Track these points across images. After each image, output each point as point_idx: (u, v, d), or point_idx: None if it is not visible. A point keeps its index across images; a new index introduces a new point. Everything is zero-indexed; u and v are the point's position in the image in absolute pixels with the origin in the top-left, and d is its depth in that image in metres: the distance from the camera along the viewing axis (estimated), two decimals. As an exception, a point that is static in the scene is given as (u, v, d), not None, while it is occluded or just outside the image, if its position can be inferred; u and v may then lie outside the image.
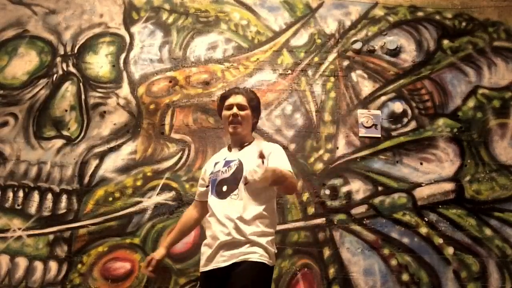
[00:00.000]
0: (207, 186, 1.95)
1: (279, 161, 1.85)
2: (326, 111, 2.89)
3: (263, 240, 1.74)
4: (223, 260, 1.71)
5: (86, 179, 2.70)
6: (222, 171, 1.87)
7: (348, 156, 2.79)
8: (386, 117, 2.88)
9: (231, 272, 1.68)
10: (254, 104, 2.01)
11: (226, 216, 1.76)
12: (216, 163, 1.94)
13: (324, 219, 2.65)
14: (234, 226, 1.73)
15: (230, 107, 1.95)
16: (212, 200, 1.85)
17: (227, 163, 1.88)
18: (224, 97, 2.01)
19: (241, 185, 1.80)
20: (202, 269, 1.79)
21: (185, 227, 2.06)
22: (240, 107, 1.94)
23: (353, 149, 2.81)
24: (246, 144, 1.96)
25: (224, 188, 1.82)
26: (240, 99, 1.96)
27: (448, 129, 2.86)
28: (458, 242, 2.63)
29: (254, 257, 1.70)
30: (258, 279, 1.68)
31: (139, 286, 2.51)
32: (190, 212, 2.08)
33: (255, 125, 2.09)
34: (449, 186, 2.74)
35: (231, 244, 1.72)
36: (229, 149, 1.99)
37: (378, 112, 2.88)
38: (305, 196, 2.67)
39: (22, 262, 2.54)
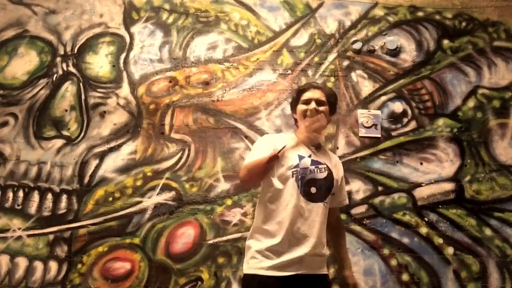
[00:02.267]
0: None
1: (345, 190, 2.01)
2: (326, 111, 2.89)
3: None
4: (306, 269, 1.68)
5: (86, 179, 2.70)
6: (310, 170, 1.75)
7: (348, 156, 2.79)
8: (386, 117, 2.88)
9: (313, 282, 1.69)
10: (333, 101, 1.91)
11: (318, 223, 1.73)
12: (301, 157, 1.77)
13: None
14: (323, 237, 1.76)
15: (308, 102, 1.85)
16: (300, 199, 1.72)
17: (315, 163, 1.78)
18: (301, 91, 1.91)
19: (330, 195, 1.82)
20: (269, 273, 1.64)
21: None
22: (319, 102, 1.84)
23: (353, 149, 2.81)
24: (320, 145, 1.91)
25: (313, 190, 1.74)
26: (319, 94, 1.86)
27: (448, 129, 2.86)
28: (458, 242, 2.63)
29: (326, 270, 1.80)
30: None
31: (139, 286, 2.51)
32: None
33: (328, 123, 1.95)
34: (449, 186, 2.74)
35: (317, 254, 1.73)
36: (303, 143, 1.82)
37: (378, 112, 2.88)
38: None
39: (22, 262, 2.54)
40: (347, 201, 2.00)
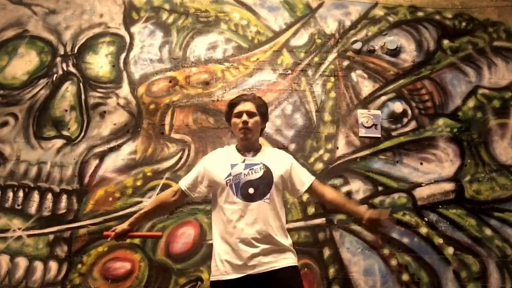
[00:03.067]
0: (208, 186, 1.94)
1: (304, 173, 2.01)
2: (326, 111, 2.89)
3: (291, 245, 1.87)
4: (262, 266, 1.73)
5: (86, 179, 2.70)
6: (244, 173, 1.85)
7: (348, 156, 2.79)
8: (386, 117, 2.88)
9: (273, 277, 1.73)
10: (263, 111, 2.01)
11: (262, 220, 1.78)
12: (233, 165, 1.89)
13: (324, 219, 2.65)
14: (273, 232, 1.79)
15: (239, 115, 1.95)
16: (238, 202, 1.81)
17: (249, 166, 1.88)
18: (232, 104, 2.01)
19: (273, 190, 1.85)
20: (226, 277, 1.74)
21: (158, 211, 2.05)
22: (250, 114, 1.94)
23: (353, 149, 2.81)
24: (258, 149, 1.99)
25: (251, 191, 1.82)
26: (249, 106, 1.96)
27: (448, 129, 2.86)
28: (458, 242, 2.63)
29: (292, 262, 1.81)
30: (301, 280, 1.81)
31: (139, 286, 2.51)
32: (168, 197, 2.00)
33: (263, 131, 2.10)
34: (449, 186, 2.74)
35: (269, 250, 1.76)
36: (240, 152, 1.97)
37: (378, 112, 2.88)
38: (305, 196, 2.66)
39: (22, 262, 2.54)
40: (305, 187, 1.99)
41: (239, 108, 1.96)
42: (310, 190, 1.99)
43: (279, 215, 1.86)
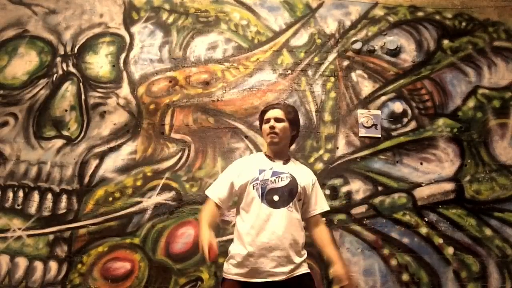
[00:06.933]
0: (237, 192, 1.97)
1: (323, 198, 2.07)
2: (326, 111, 2.89)
3: (305, 255, 1.94)
4: (278, 276, 1.79)
5: (86, 179, 2.70)
6: (271, 180, 1.92)
7: (348, 156, 2.79)
8: (386, 117, 2.88)
9: (289, 285, 1.79)
10: (292, 117, 2.08)
11: (284, 227, 1.84)
12: (261, 171, 1.95)
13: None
14: (293, 240, 1.85)
15: (268, 121, 2.05)
16: (262, 207, 1.87)
17: (276, 174, 1.95)
18: (263, 112, 2.12)
19: (296, 199, 1.93)
20: (239, 279, 1.80)
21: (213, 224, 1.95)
22: (278, 120, 2.03)
23: (353, 149, 2.81)
24: (288, 159, 2.07)
25: (275, 198, 1.88)
26: (277, 112, 2.05)
27: (448, 129, 2.86)
28: (458, 242, 2.63)
29: (306, 269, 1.88)
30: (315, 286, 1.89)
31: (139, 286, 2.51)
32: (214, 212, 1.95)
33: (294, 138, 2.17)
34: (449, 186, 2.74)
35: (289, 258, 1.83)
36: (270, 159, 2.04)
37: (378, 112, 2.89)
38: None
39: (22, 262, 2.54)
40: (318, 211, 2.04)
41: (268, 114, 2.07)
42: (312, 218, 2.04)
43: (301, 224, 1.94)
